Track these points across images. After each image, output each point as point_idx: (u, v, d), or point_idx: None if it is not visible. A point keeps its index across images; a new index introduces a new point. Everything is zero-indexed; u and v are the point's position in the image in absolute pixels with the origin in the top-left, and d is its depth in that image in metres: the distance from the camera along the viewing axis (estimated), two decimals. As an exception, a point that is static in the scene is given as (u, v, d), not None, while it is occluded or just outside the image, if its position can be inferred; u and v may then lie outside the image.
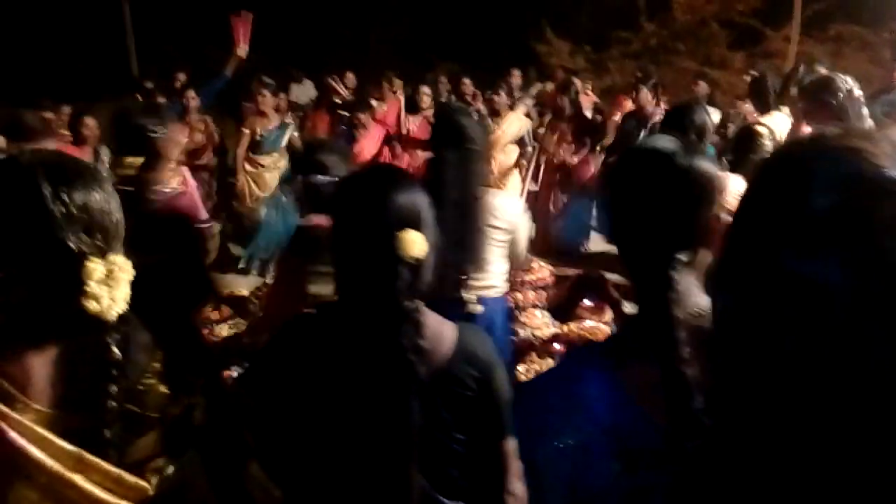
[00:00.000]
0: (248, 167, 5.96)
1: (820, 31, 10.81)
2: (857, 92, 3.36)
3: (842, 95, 3.19)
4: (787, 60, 8.90)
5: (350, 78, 8.06)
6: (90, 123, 5.03)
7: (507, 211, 2.76)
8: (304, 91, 9.73)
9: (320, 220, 2.15)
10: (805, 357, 0.64)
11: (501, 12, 14.65)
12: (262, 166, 5.96)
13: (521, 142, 6.06)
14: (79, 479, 0.96)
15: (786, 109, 4.99)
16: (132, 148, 2.56)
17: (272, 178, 5.97)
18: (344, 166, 2.65)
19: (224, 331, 4.45)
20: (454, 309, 2.61)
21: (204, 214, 2.71)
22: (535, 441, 1.11)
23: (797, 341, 0.64)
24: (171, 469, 1.15)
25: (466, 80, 7.39)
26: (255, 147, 5.96)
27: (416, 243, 1.25)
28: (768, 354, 0.66)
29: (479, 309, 2.71)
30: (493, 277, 2.80)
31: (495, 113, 6.18)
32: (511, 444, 1.36)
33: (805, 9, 9.44)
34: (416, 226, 1.28)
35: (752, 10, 11.48)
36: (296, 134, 6.18)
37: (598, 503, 1.02)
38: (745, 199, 0.76)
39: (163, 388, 1.17)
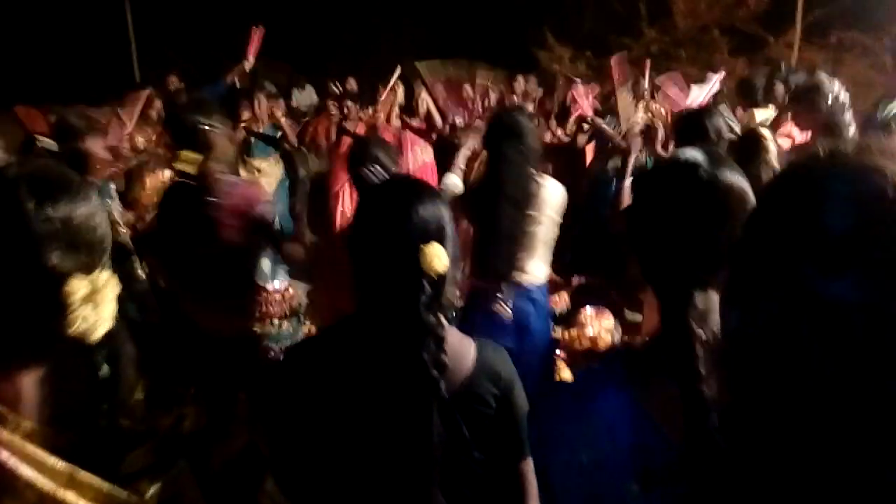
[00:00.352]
0: (243, 172, 5.87)
1: (821, 37, 10.80)
2: (843, 95, 3.38)
3: (830, 97, 3.21)
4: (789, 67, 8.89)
5: (351, 83, 8.06)
6: None
7: (558, 201, 2.89)
8: (306, 97, 9.75)
9: None
10: (823, 376, 0.62)
11: (503, 18, 14.68)
12: (259, 171, 5.90)
13: None
14: (71, 497, 0.95)
15: (771, 106, 5.11)
16: (186, 142, 2.57)
17: (268, 184, 5.93)
18: (394, 159, 2.84)
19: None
20: (495, 299, 2.80)
21: (266, 198, 2.76)
22: (549, 453, 1.10)
23: (815, 359, 0.62)
24: (162, 481, 1.13)
25: (466, 86, 7.38)
26: (248, 150, 5.89)
27: (440, 258, 1.23)
28: (783, 372, 0.65)
29: (509, 315, 2.87)
30: (541, 266, 2.93)
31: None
32: (529, 465, 1.33)
33: (806, 15, 9.45)
34: (440, 239, 1.26)
35: (754, 17, 11.47)
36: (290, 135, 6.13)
37: None
38: (758, 214, 0.74)
39: (152, 401, 1.15)
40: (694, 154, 1.08)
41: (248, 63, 5.91)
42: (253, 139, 5.91)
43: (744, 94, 5.63)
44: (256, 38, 5.87)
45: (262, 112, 6.00)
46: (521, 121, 2.88)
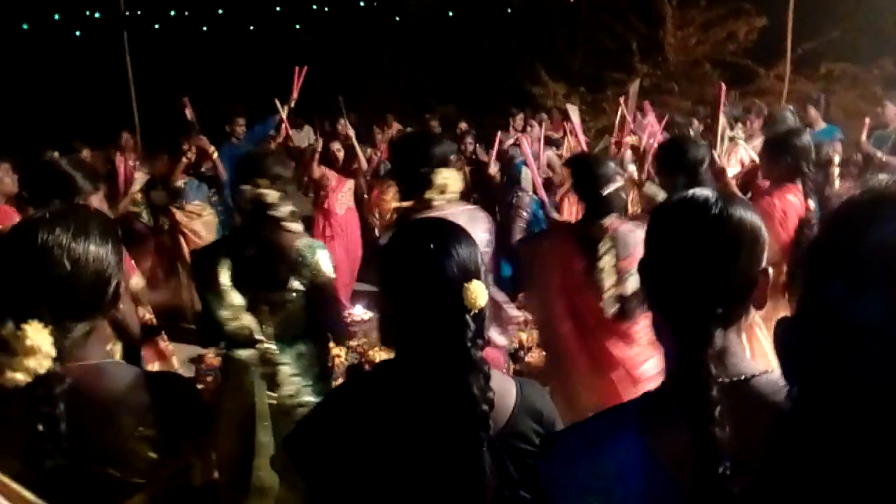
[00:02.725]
0: (182, 217, 5.75)
1: (811, 69, 10.96)
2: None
3: (798, 148, 3.21)
4: (780, 99, 9.00)
5: (350, 119, 8.20)
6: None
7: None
8: (303, 136, 9.85)
9: None
10: (847, 395, 0.62)
11: (498, 56, 14.92)
12: (197, 215, 5.81)
13: None
14: None
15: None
16: (412, 181, 2.56)
17: (206, 224, 5.82)
18: None
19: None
20: None
21: None
22: (559, 496, 1.08)
23: (842, 380, 0.62)
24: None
25: (463, 125, 7.51)
26: (178, 195, 5.82)
27: (482, 294, 1.26)
28: (815, 393, 0.65)
29: None
30: None
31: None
32: None
33: (796, 48, 9.58)
34: (478, 276, 1.28)
35: (744, 51, 11.65)
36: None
37: None
38: (812, 242, 0.77)
39: (149, 453, 1.15)
40: (704, 192, 1.09)
41: (293, 101, 6.13)
42: (184, 184, 5.83)
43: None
44: (298, 78, 6.07)
45: (193, 155, 5.94)
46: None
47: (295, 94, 6.18)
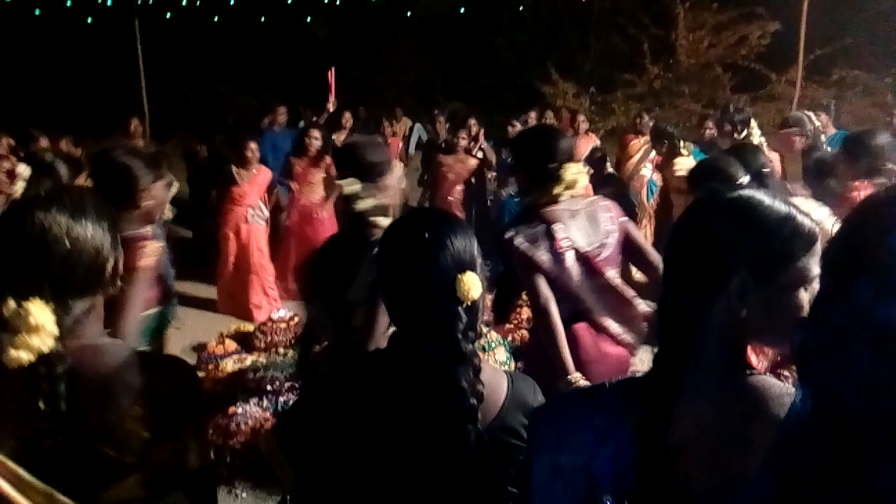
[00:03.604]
0: None
1: (823, 75, 10.91)
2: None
3: (876, 147, 3.29)
4: (791, 104, 8.96)
5: (359, 112, 8.27)
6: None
7: None
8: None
9: None
10: (870, 391, 0.61)
11: (508, 54, 14.90)
12: None
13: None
14: None
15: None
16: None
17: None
18: None
19: (229, 366, 4.43)
20: None
21: None
22: (536, 449, 1.12)
23: (864, 375, 0.62)
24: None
25: (472, 121, 7.45)
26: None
27: (476, 286, 1.24)
28: (836, 384, 0.64)
29: None
30: None
31: None
32: None
33: (808, 53, 9.53)
34: (473, 267, 1.27)
35: (756, 55, 11.61)
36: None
37: None
38: (834, 243, 0.74)
39: (145, 433, 1.14)
40: (747, 190, 1.05)
41: (331, 104, 6.13)
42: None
43: (658, 138, 5.75)
44: (332, 80, 6.10)
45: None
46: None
47: (332, 98, 6.22)
